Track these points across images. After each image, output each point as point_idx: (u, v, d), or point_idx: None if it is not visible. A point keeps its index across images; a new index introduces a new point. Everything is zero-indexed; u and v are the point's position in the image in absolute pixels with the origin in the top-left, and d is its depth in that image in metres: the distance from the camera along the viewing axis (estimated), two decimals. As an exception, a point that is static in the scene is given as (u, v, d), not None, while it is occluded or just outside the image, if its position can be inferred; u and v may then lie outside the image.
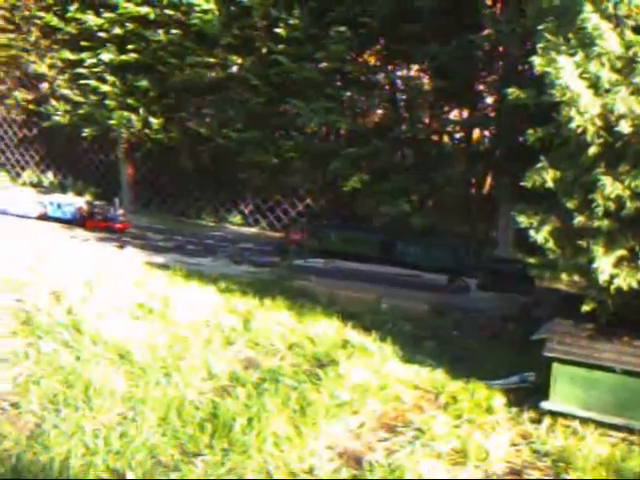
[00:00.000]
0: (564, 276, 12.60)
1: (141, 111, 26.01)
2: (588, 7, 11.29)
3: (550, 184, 12.06)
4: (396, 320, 16.78)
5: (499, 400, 12.89)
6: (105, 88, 26.48)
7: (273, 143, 23.33)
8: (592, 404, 12.03)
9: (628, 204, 11.27)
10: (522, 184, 12.35)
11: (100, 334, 15.45)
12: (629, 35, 11.30)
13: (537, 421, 12.30)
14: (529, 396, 12.87)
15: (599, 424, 11.92)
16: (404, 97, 22.37)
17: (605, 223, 11.57)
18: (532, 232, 12.36)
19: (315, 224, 23.47)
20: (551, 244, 12.25)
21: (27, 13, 28.63)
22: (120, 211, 25.71)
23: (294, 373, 13.92)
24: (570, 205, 11.90)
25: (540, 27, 12.22)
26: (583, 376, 12.09)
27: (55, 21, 27.59)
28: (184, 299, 17.63)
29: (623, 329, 12.43)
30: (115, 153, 29.56)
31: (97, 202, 27.38)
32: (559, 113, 11.59)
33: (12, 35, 29.51)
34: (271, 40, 22.41)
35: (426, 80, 22.11)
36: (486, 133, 21.39)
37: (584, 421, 12.00)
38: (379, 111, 23.10)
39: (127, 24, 25.39)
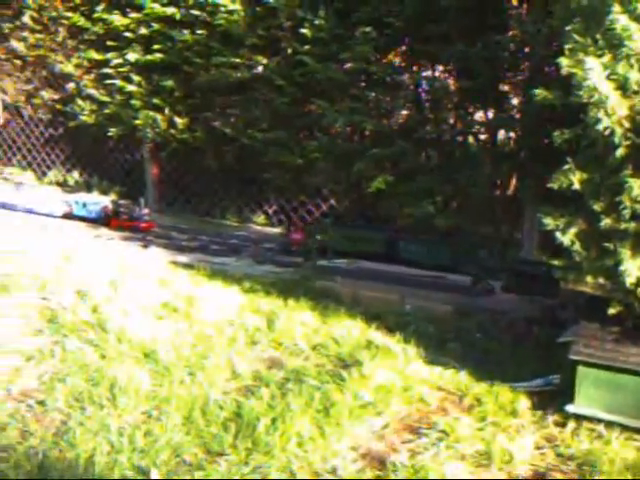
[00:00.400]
0: (589, 278, 12.43)
1: (166, 111, 26.15)
2: (617, 8, 11.14)
3: (577, 186, 11.92)
4: (420, 321, 16.65)
5: (523, 403, 12.77)
6: (131, 88, 26.67)
7: (298, 143, 23.36)
8: (617, 408, 11.86)
9: (655, 207, 11.16)
10: (548, 185, 12.25)
11: (125, 333, 15.47)
12: (659, 37, 11.19)
13: (562, 424, 12.15)
14: (553, 399, 12.71)
15: (624, 428, 11.74)
16: (429, 98, 22.32)
17: (632, 226, 11.43)
18: (558, 234, 12.22)
19: (314, 224, 23.49)
20: (577, 246, 12.12)
21: (55, 13, 28.92)
22: (145, 210, 25.83)
23: (318, 373, 13.87)
24: (597, 207, 11.75)
25: (568, 28, 12.07)
26: (609, 379, 11.93)
27: (82, 21, 27.83)
28: (208, 298, 17.62)
29: (650, 333, 12.28)
30: (140, 152, 29.74)
31: (122, 201, 27.44)
32: (586, 114, 11.47)
33: (40, 35, 29.82)
34: (296, 41, 22.43)
35: (451, 81, 22.05)
36: (511, 134, 21.23)
37: (609, 425, 11.82)
38: (404, 112, 23.03)
39: (153, 24, 25.56)
